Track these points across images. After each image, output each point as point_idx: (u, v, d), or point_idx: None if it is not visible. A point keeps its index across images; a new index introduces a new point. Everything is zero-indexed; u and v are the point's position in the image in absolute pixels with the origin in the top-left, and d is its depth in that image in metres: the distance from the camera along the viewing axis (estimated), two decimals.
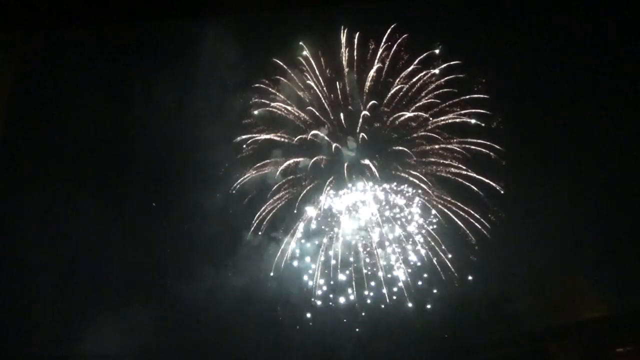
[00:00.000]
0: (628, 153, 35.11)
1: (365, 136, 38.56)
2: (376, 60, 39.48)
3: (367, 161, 38.50)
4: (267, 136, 38.80)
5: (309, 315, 35.40)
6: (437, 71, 38.75)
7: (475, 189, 36.71)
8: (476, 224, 36.11)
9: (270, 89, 39.29)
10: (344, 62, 39.50)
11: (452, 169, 37.85)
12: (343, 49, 39.47)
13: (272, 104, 39.16)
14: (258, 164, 38.39)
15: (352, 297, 36.06)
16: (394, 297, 35.91)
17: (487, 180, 36.41)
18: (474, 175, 37.08)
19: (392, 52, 39.46)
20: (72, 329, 30.41)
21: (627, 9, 32.71)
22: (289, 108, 39.47)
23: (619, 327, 26.95)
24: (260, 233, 37.02)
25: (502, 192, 36.07)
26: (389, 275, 36.43)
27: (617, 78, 35.75)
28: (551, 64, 38.20)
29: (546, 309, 31.82)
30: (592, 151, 35.65)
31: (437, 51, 38.46)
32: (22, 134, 31.34)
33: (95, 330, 30.11)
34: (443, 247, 36.83)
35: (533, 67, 38.52)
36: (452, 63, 38.35)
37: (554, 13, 37.06)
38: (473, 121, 37.63)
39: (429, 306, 34.64)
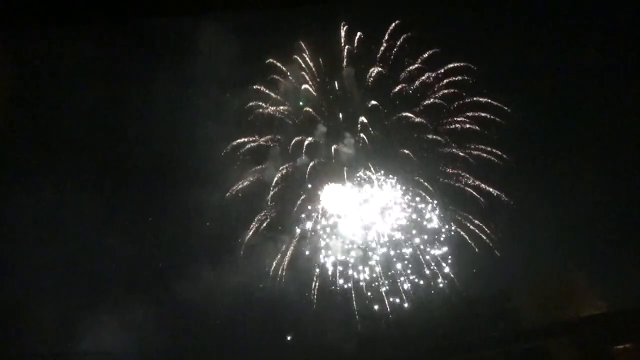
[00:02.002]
0: (628, 154, 35.27)
1: (365, 138, 38.44)
2: (377, 59, 39.41)
3: (368, 167, 38.33)
4: (265, 139, 38.78)
5: (309, 314, 35.45)
6: (434, 73, 38.71)
7: (476, 194, 36.74)
8: (477, 231, 36.14)
9: (267, 91, 39.25)
10: (344, 62, 39.43)
11: (454, 175, 37.76)
12: (343, 48, 39.41)
13: (270, 107, 39.08)
14: (257, 167, 38.36)
15: (351, 296, 36.08)
16: (394, 295, 35.94)
17: (487, 188, 36.42)
18: (476, 181, 37.06)
19: (393, 51, 39.36)
20: (72, 327, 30.39)
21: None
22: (287, 109, 39.40)
23: (617, 324, 26.95)
24: (259, 235, 37.00)
25: (502, 197, 36.08)
26: (388, 274, 36.48)
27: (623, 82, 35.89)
28: (558, 65, 38.24)
29: (545, 307, 31.84)
30: (592, 151, 35.76)
31: (438, 50, 38.35)
32: (20, 134, 31.38)
33: (94, 328, 30.10)
34: (443, 248, 36.89)
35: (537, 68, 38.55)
36: (457, 65, 38.26)
37: (563, 14, 37.14)
38: (475, 127, 37.59)
39: (429, 304, 34.65)
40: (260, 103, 38.73)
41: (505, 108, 36.70)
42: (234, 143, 37.68)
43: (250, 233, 36.74)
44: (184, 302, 32.15)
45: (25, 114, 31.77)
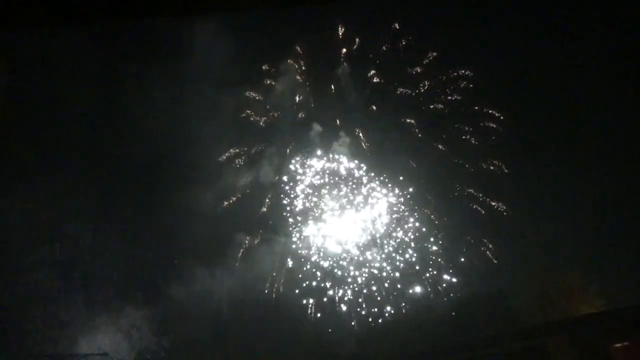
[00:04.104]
0: (626, 152, 35.44)
1: (365, 145, 38.38)
2: (374, 63, 39.32)
3: (366, 171, 38.23)
4: (261, 144, 38.73)
5: (308, 313, 35.43)
6: (432, 80, 38.54)
7: (472, 200, 36.73)
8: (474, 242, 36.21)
9: (263, 95, 39.16)
10: (341, 64, 39.32)
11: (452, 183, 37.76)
12: (340, 51, 39.33)
13: (266, 111, 39.00)
14: (253, 170, 38.33)
15: (351, 296, 36.06)
16: (392, 296, 35.92)
17: (487, 200, 36.40)
18: (473, 191, 37.06)
19: (390, 55, 39.26)
20: (69, 328, 30.32)
21: None
22: (283, 113, 39.28)
23: (616, 323, 26.97)
24: (256, 238, 36.99)
25: (500, 206, 36.11)
26: (387, 273, 36.45)
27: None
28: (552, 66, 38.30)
29: (544, 305, 31.90)
30: (591, 151, 35.90)
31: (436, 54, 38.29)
32: (15, 133, 31.23)
33: (91, 329, 30.07)
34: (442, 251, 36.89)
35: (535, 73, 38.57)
36: (455, 71, 38.18)
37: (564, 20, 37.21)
38: (471, 139, 37.59)
39: (427, 303, 34.70)
40: (256, 108, 38.74)
41: (501, 116, 36.88)
42: (230, 153, 37.65)
43: (247, 236, 36.77)
44: (182, 304, 32.16)
45: (20, 114, 31.62)
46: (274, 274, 35.90)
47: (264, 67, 38.52)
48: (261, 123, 38.69)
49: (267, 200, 37.63)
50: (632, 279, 31.48)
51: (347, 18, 38.50)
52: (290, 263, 36.43)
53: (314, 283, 35.96)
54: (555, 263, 33.85)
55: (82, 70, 34.83)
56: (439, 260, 36.06)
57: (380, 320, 34.62)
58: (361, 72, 39.21)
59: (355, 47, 39.01)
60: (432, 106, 38.12)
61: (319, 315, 35.12)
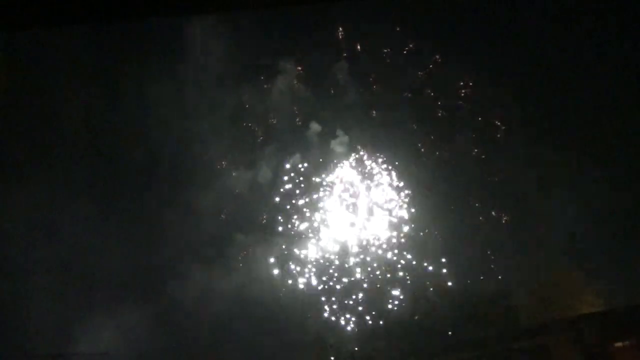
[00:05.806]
0: (626, 154, 35.45)
1: (364, 147, 38.36)
2: (374, 64, 39.26)
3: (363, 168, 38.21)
4: (259, 141, 38.70)
5: (308, 314, 35.41)
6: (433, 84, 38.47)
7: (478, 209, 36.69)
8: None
9: (261, 94, 39.15)
10: (340, 65, 39.28)
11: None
12: (340, 51, 39.31)
13: (265, 110, 38.97)
14: (252, 169, 38.31)
15: (350, 296, 36.05)
16: (392, 295, 35.91)
17: (488, 203, 36.40)
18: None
19: (390, 58, 39.21)
20: (69, 327, 30.36)
21: None
22: (281, 111, 39.25)
23: (617, 322, 26.97)
24: (256, 237, 36.95)
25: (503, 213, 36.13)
26: (387, 274, 36.47)
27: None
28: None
29: (544, 304, 31.88)
30: (591, 152, 35.88)
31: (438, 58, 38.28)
32: (14, 133, 31.26)
33: (92, 329, 30.08)
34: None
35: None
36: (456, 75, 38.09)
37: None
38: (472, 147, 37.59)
39: (428, 303, 34.69)
40: (254, 108, 38.75)
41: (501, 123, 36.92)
42: (229, 154, 37.63)
43: (247, 237, 36.75)
44: (181, 303, 32.17)
45: (17, 114, 31.67)
46: (274, 275, 35.90)
47: (262, 70, 38.54)
48: (259, 124, 38.71)
49: (266, 201, 37.63)
50: (632, 279, 31.48)
51: (347, 19, 38.48)
52: (289, 264, 36.42)
53: (314, 284, 35.96)
54: (555, 263, 33.81)
55: (81, 70, 34.84)
56: (439, 260, 36.04)
57: (380, 321, 34.61)
58: (361, 74, 39.22)
59: (356, 48, 39.03)
60: (432, 112, 38.17)
61: (318, 316, 35.12)
